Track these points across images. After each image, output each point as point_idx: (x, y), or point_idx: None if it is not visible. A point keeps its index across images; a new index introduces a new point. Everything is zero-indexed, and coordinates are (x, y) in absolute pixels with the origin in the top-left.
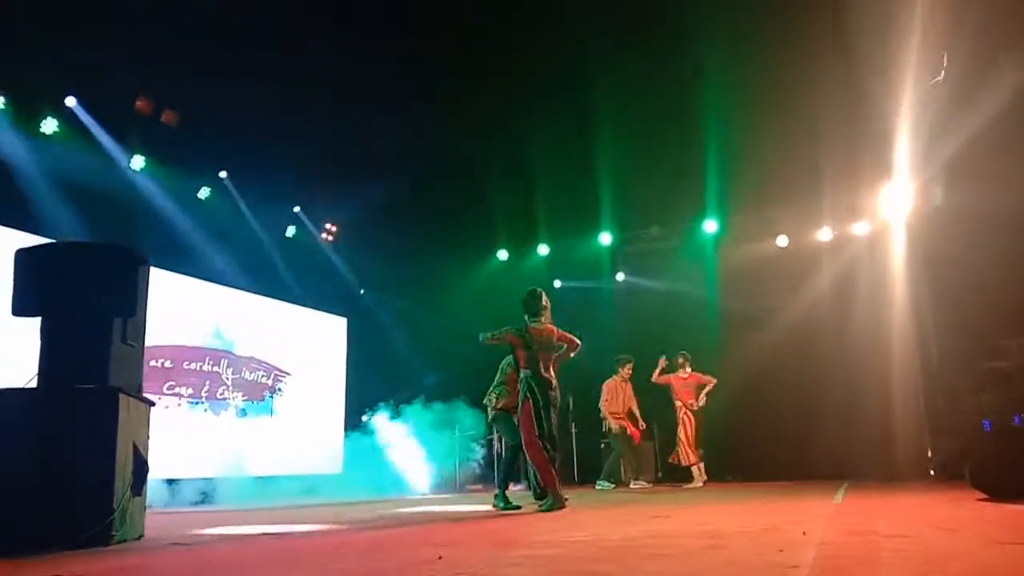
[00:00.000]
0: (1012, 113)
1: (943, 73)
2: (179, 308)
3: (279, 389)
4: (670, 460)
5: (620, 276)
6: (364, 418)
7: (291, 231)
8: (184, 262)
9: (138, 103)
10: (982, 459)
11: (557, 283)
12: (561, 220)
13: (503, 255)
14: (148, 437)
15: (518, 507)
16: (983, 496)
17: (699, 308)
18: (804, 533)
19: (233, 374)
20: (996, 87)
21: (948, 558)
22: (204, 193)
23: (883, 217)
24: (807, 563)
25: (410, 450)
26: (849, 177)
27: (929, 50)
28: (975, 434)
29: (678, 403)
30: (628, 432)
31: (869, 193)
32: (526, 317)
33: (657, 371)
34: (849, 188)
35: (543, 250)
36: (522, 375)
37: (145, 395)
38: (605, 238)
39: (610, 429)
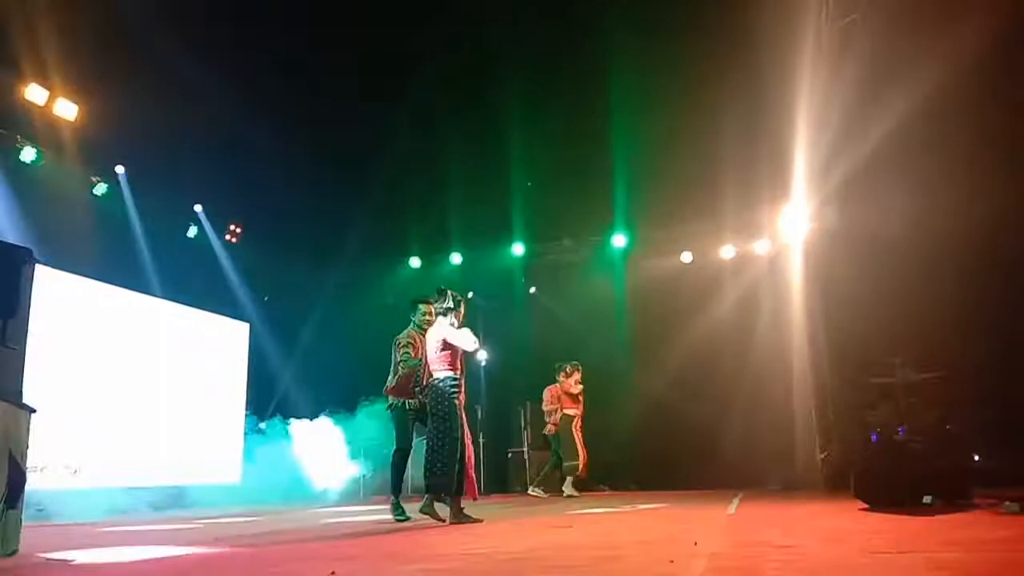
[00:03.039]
0: (896, 140)
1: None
2: (70, 308)
3: (177, 394)
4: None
5: (532, 289)
6: (264, 426)
7: (192, 231)
8: (77, 261)
9: (29, 93)
10: (865, 471)
11: (470, 294)
12: (474, 229)
13: (415, 263)
14: (28, 446)
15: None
16: (865, 506)
17: (609, 321)
18: (696, 544)
19: (128, 377)
20: (884, 113)
21: (829, 568)
22: (100, 189)
23: (783, 237)
24: (696, 574)
25: (312, 459)
26: (751, 197)
27: (822, 77)
28: (860, 447)
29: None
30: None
31: (770, 213)
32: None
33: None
34: (751, 208)
35: (456, 259)
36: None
37: (27, 401)
38: (518, 249)
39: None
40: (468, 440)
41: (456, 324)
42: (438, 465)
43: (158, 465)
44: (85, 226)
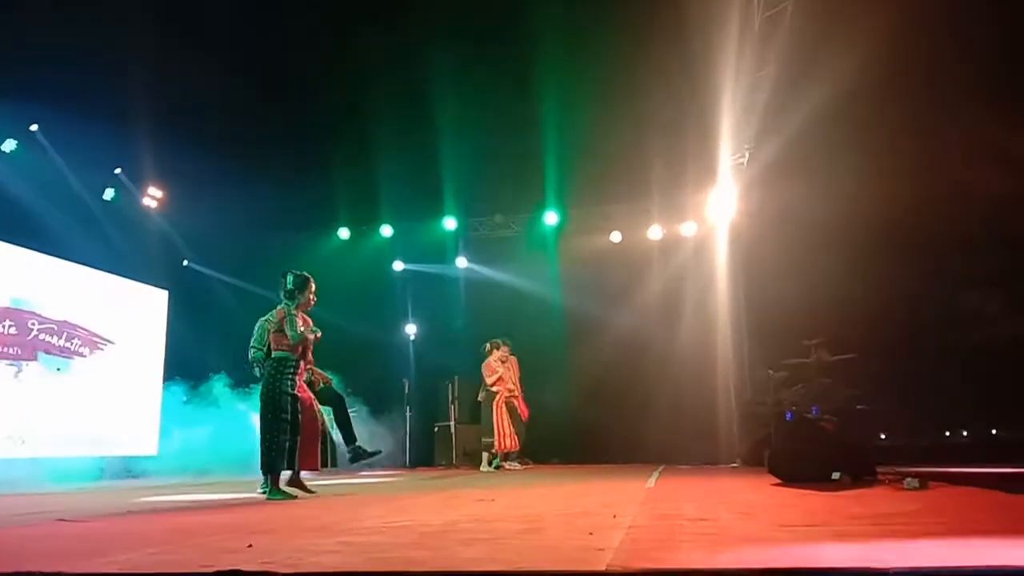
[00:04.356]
0: (817, 127)
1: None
2: None
3: (91, 362)
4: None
5: (463, 262)
6: (184, 397)
7: (109, 194)
8: None
9: None
10: (779, 448)
11: (400, 265)
12: (405, 201)
13: (344, 234)
14: None
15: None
16: (778, 481)
17: (542, 297)
18: (615, 516)
19: (37, 344)
20: (808, 99)
21: (740, 540)
22: (10, 146)
23: (709, 220)
24: (613, 546)
25: (234, 431)
26: (679, 179)
27: (748, 61)
28: (774, 425)
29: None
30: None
31: (696, 196)
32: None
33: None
34: (678, 190)
35: (386, 231)
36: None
37: None
38: (449, 223)
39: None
40: (317, 411)
41: (298, 305)
42: (265, 445)
43: (70, 436)
44: None
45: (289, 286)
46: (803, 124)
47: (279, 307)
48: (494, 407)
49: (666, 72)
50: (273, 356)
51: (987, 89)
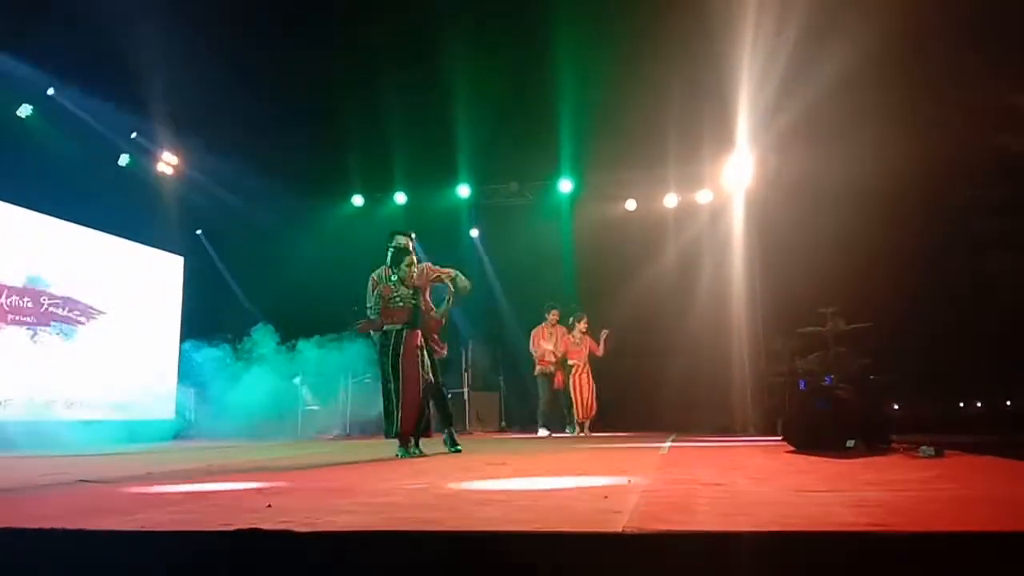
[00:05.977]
0: (837, 91)
1: (785, 36)
2: None
3: (107, 328)
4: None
5: (475, 231)
6: (200, 362)
7: (124, 159)
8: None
9: None
10: (793, 416)
11: (412, 235)
12: (420, 169)
13: (358, 201)
14: None
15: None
16: (791, 449)
17: (556, 266)
18: (629, 481)
19: (52, 308)
20: (825, 64)
21: (756, 504)
22: (25, 111)
23: (725, 187)
24: (629, 509)
25: (249, 395)
26: (695, 147)
27: (767, 26)
28: (789, 393)
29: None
30: (553, 377)
31: (712, 164)
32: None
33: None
34: (694, 158)
35: (400, 198)
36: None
37: None
38: (463, 190)
39: (545, 373)
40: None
41: (402, 278)
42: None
43: (85, 398)
44: (7, 148)
45: (388, 262)
46: (821, 90)
47: (389, 282)
48: (576, 378)
49: (683, 37)
50: (385, 329)
51: (1013, 50)
